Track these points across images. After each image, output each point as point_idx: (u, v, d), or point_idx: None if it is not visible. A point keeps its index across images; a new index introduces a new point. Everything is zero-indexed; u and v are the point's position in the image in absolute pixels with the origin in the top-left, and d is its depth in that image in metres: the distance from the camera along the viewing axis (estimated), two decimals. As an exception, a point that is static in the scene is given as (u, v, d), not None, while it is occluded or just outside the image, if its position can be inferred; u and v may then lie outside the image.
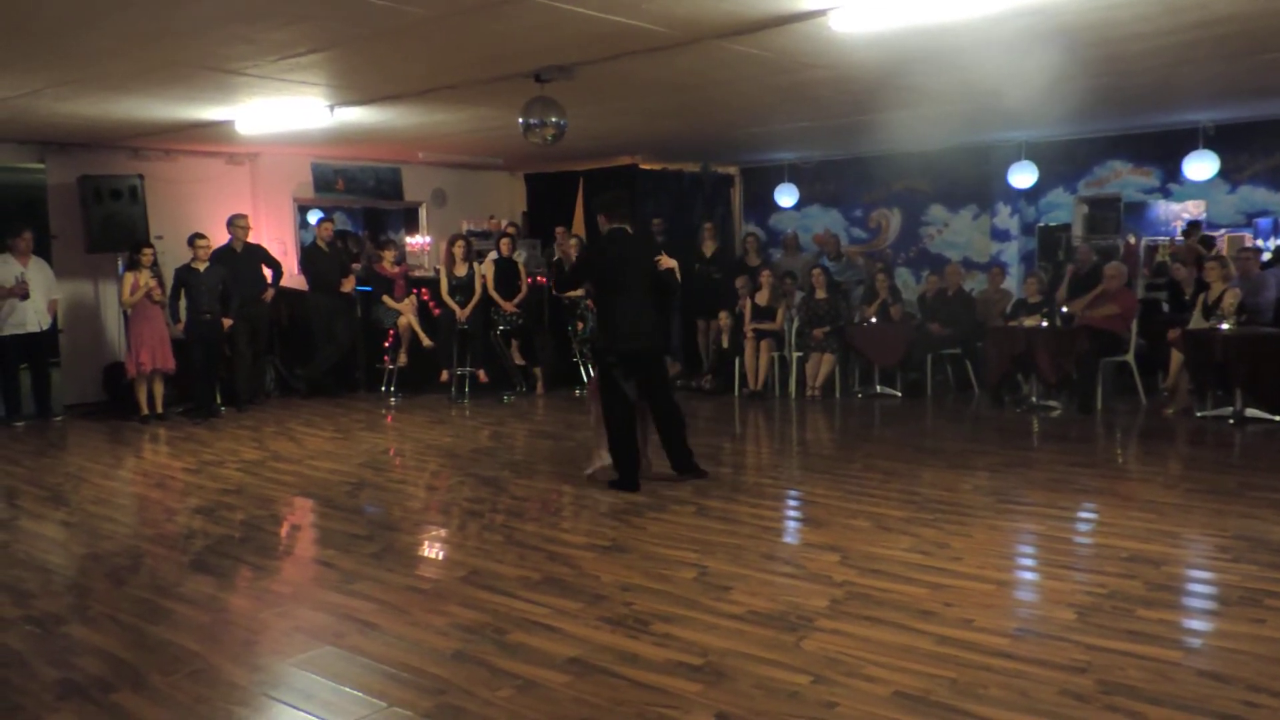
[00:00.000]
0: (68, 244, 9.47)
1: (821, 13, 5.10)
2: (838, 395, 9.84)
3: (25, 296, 8.71)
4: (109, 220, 9.29)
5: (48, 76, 6.25)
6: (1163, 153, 10.21)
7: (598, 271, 6.16)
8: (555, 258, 10.58)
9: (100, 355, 9.82)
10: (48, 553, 5.18)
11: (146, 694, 3.35)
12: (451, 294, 9.88)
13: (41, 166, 9.44)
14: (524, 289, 10.12)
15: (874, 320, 9.91)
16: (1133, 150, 10.51)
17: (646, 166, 11.97)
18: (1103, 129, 10.28)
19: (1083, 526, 5.31)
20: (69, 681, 3.46)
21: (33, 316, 8.81)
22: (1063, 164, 10.85)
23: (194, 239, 9.06)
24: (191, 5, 4.71)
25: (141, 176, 9.53)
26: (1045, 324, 8.75)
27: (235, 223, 9.60)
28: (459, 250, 9.94)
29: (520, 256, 10.45)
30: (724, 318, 10.31)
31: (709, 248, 11.21)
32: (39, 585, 4.58)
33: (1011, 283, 10.77)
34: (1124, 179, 10.66)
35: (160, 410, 9.03)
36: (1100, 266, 9.21)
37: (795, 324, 10.03)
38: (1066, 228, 11.00)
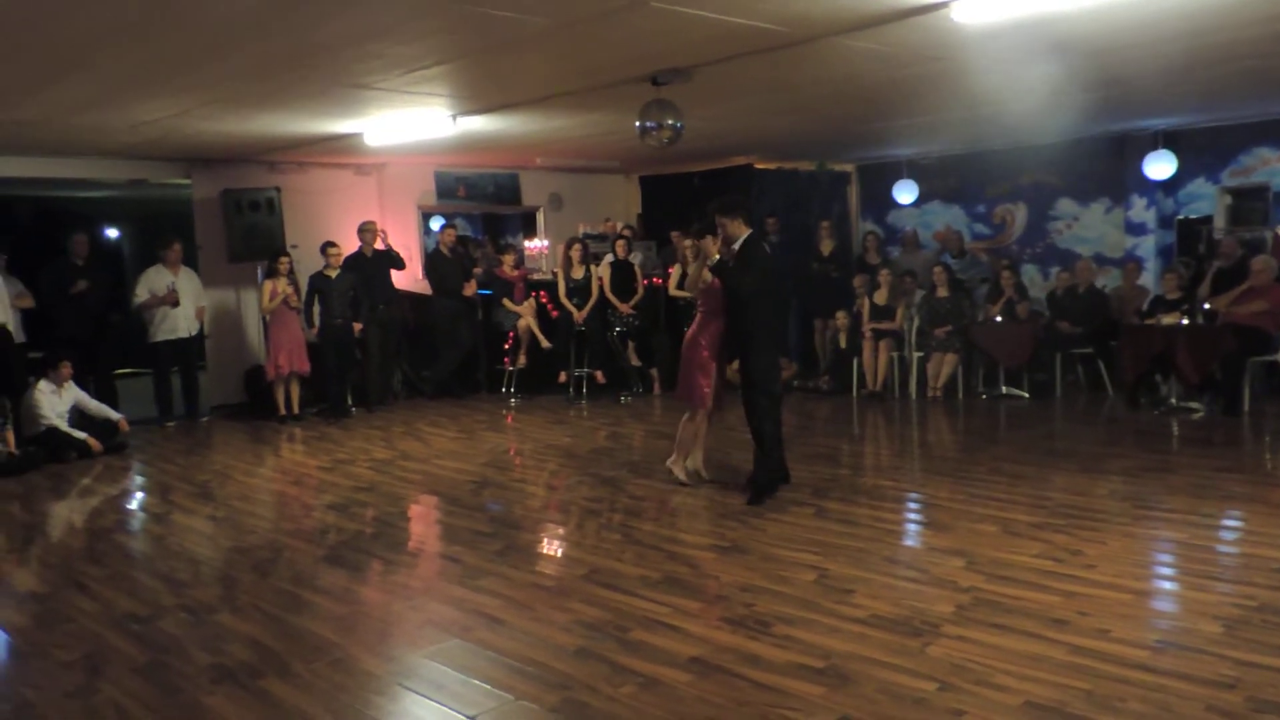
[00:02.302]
0: (212, 254, 10.04)
1: (943, 4, 4.98)
2: (960, 396, 9.57)
3: (176, 304, 9.28)
4: (249, 231, 9.80)
5: (195, 97, 6.64)
6: (1316, 138, 9.57)
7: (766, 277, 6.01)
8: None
9: (242, 359, 10.36)
10: (198, 545, 5.51)
11: (291, 681, 3.53)
12: (569, 296, 10.05)
13: (188, 182, 10.03)
14: (640, 290, 10.21)
15: (999, 319, 9.60)
16: (1282, 136, 9.89)
17: (761, 166, 11.90)
18: (1249, 115, 9.68)
19: (1228, 535, 5.03)
20: (221, 666, 3.69)
21: (183, 323, 9.38)
22: (1204, 153, 10.28)
23: (326, 247, 9.48)
24: (328, 26, 4.93)
25: (278, 189, 10.01)
26: (1186, 322, 8.32)
27: (365, 228, 9.99)
28: (576, 253, 10.11)
29: (636, 258, 10.55)
30: (841, 317, 10.17)
31: (826, 246, 11.08)
32: (191, 576, 4.88)
33: (1148, 279, 10.26)
34: (1272, 167, 10.01)
35: (296, 411, 9.47)
36: (1246, 260, 8.70)
37: (916, 323, 9.81)
38: (1208, 220, 10.41)
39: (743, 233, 5.94)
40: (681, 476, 6.25)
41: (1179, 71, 7.09)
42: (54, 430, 7.95)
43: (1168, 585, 4.39)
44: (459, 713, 3.22)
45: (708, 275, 6.03)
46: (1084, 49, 6.14)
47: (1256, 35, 5.95)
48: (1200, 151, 10.26)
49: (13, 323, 8.56)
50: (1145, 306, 9.19)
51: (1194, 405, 8.33)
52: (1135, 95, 8.10)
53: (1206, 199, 10.45)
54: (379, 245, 10.03)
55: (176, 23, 4.74)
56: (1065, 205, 11.35)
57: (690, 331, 6.24)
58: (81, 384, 8.46)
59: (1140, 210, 10.73)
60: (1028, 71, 6.79)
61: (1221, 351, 8.07)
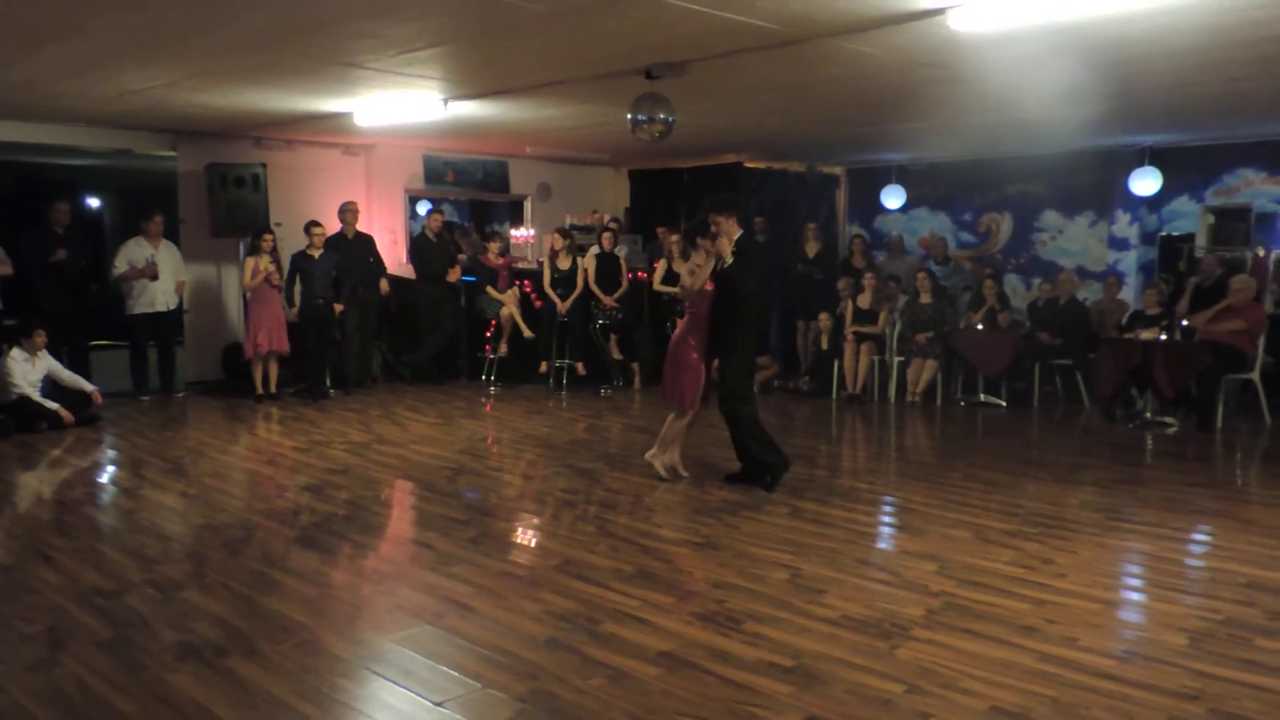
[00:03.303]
0: (194, 228, 9.93)
1: (940, 11, 4.99)
2: (939, 402, 9.62)
3: (155, 277, 9.18)
4: (233, 206, 9.69)
5: (185, 68, 6.57)
6: (1299, 161, 9.67)
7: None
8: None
9: (221, 336, 10.27)
10: (168, 521, 5.46)
11: (257, 661, 3.50)
12: (553, 287, 10.02)
13: (173, 154, 9.92)
14: (625, 284, 10.20)
15: (980, 327, 9.65)
16: (1267, 158, 9.97)
17: (751, 165, 11.91)
18: (1235, 135, 9.78)
19: (1197, 549, 5.08)
20: (187, 644, 3.65)
21: (161, 297, 9.29)
22: (1189, 171, 10.37)
23: (310, 226, 9.39)
24: (324, 3, 4.89)
25: (264, 165, 9.90)
26: (1164, 337, 8.39)
27: (347, 209, 9.92)
28: (562, 244, 10.07)
29: (622, 252, 10.53)
30: (824, 319, 10.20)
31: (812, 248, 11.09)
32: (160, 552, 4.83)
33: (1128, 293, 10.36)
34: (1255, 188, 10.12)
35: (274, 390, 9.40)
36: (1226, 279, 8.79)
37: (898, 328, 9.85)
38: (1190, 238, 10.51)
39: (736, 231, 5.94)
40: (661, 471, 6.25)
41: (1171, 88, 7.15)
42: (25, 399, 7.85)
43: (1136, 596, 4.42)
44: (426, 699, 3.21)
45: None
46: (1079, 62, 6.17)
47: (1247, 57, 6.01)
48: (1185, 170, 10.36)
49: (-12, 289, 8.47)
50: (1125, 320, 9.27)
51: (1168, 420, 8.42)
52: (1126, 110, 8.16)
53: (1189, 217, 10.55)
54: (359, 228, 9.96)
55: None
56: (1050, 217, 11.43)
57: (678, 332, 6.20)
58: (56, 354, 8.36)
59: (1124, 225, 10.82)
60: (1022, 82, 6.82)
61: (1198, 368, 8.15)
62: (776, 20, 5.17)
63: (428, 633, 3.77)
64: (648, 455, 6.37)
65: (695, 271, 6.02)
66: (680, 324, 6.24)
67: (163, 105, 7.95)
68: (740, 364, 6.00)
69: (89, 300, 9.48)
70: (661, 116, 6.63)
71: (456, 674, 3.39)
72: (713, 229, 5.94)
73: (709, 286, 5.96)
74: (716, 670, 3.42)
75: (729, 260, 5.90)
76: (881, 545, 5.23)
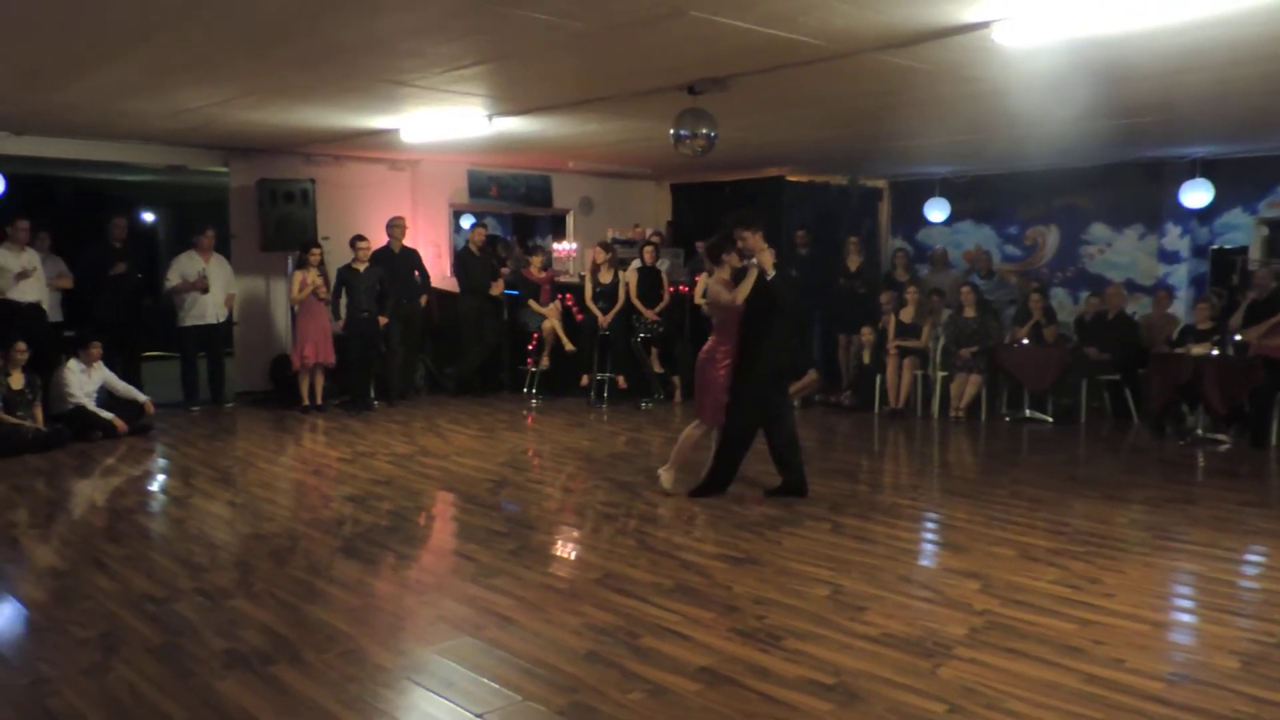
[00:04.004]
0: (245, 242, 10.14)
1: (984, 25, 4.96)
2: (983, 418, 9.50)
3: (206, 290, 9.39)
4: (283, 221, 9.88)
5: (238, 87, 6.72)
6: (1357, 172, 9.44)
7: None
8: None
9: (269, 347, 10.46)
10: (216, 530, 5.57)
11: (302, 669, 3.56)
12: (595, 300, 10.07)
13: (225, 170, 10.14)
14: (666, 298, 10.22)
15: (1026, 341, 9.53)
16: (1323, 169, 9.76)
17: (793, 178, 11.88)
18: (1289, 146, 9.58)
19: (1250, 570, 4.97)
20: (234, 652, 3.72)
21: (211, 309, 9.49)
22: (1242, 182, 10.16)
23: (355, 240, 9.55)
24: (373, 23, 4.98)
25: (313, 181, 10.09)
26: (1216, 352, 8.22)
27: (395, 223, 10.07)
28: (604, 258, 10.13)
29: (663, 265, 10.55)
30: (866, 333, 10.13)
31: (854, 262, 11.04)
32: (209, 560, 4.93)
33: (1179, 307, 10.16)
34: (1311, 200, 9.90)
35: (320, 402, 9.54)
36: (1280, 293, 8.60)
37: (941, 342, 9.76)
38: (1243, 251, 10.30)
39: (764, 246, 5.95)
40: (668, 486, 6.25)
41: (1218, 100, 7.03)
42: (81, 409, 8.06)
43: (1186, 618, 4.33)
44: (467, 710, 3.24)
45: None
46: (1124, 74, 6.10)
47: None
48: (1238, 181, 10.15)
49: (48, 301, 8.70)
50: (1175, 335, 9.09)
51: (1221, 437, 8.23)
52: (1173, 122, 8.03)
53: (1242, 229, 10.33)
54: (405, 243, 10.09)
55: (222, 13, 4.80)
56: (1098, 230, 11.26)
57: (706, 347, 6.20)
58: (110, 365, 8.57)
59: (1174, 238, 10.63)
60: (1066, 95, 6.75)
61: (1251, 384, 7.97)
62: (820, 36, 5.17)
63: (469, 644, 3.80)
64: (660, 470, 6.39)
65: (732, 286, 6.02)
66: (710, 340, 6.20)
67: (216, 123, 8.14)
68: (760, 377, 5.98)
69: (143, 312, 9.71)
70: (704, 131, 6.64)
71: (497, 686, 3.42)
72: (739, 244, 5.96)
73: (739, 302, 5.97)
74: (756, 687, 3.41)
75: (771, 273, 5.91)
76: (924, 562, 5.18)
